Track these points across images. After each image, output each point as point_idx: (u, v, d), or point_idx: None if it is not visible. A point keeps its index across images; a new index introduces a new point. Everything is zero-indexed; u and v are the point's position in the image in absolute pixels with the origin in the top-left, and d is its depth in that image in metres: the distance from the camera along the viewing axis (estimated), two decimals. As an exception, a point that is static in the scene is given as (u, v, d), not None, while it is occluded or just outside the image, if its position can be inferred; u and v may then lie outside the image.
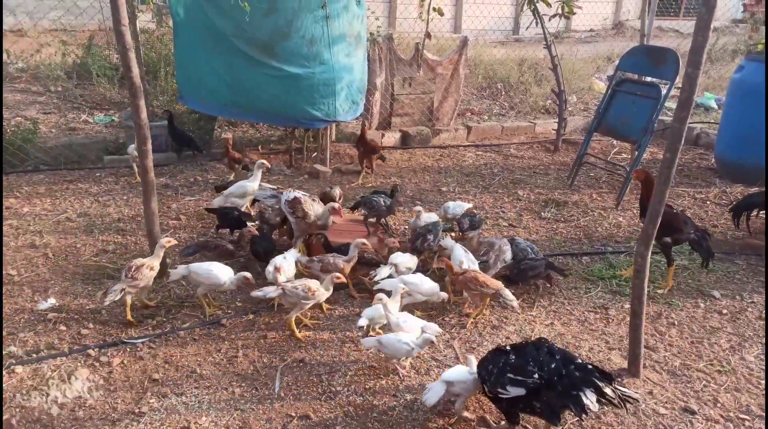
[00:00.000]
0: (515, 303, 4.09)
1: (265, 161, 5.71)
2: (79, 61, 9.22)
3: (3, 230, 5.15)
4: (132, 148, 5.97)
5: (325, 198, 5.24)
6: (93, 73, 8.81)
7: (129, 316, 3.93)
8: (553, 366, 2.82)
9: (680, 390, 3.52)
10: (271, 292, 3.86)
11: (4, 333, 3.79)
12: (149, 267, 3.96)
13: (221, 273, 4.03)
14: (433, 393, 3.07)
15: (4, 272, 4.48)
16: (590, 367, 2.84)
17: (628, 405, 2.90)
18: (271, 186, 5.75)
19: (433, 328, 3.60)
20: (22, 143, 6.61)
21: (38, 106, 8.31)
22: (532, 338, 3.18)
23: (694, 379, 3.63)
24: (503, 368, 2.89)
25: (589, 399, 2.74)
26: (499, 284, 4.10)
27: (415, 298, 4.09)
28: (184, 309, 4.16)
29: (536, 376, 2.80)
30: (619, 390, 2.82)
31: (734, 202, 5.95)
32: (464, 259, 4.35)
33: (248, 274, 4.04)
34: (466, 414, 3.19)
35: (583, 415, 2.78)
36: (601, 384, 2.76)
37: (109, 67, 8.98)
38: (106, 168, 6.82)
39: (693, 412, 3.33)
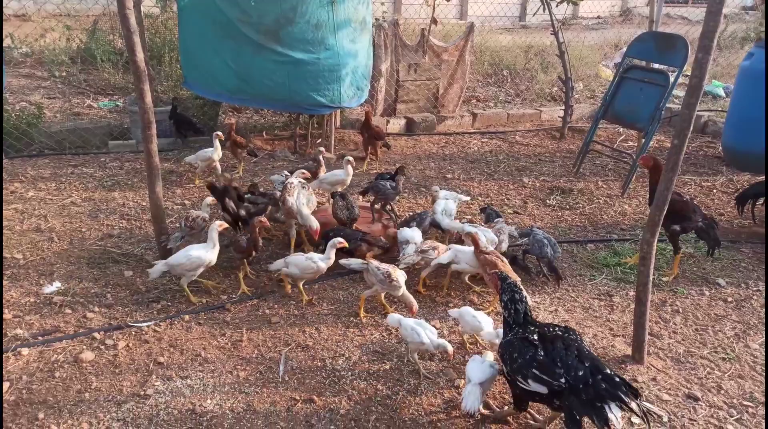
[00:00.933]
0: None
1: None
2: (83, 46, 9.20)
3: (8, 215, 5.17)
4: (192, 159, 6.05)
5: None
6: (97, 58, 8.79)
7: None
8: (581, 373, 2.71)
9: (684, 377, 3.52)
10: (354, 263, 4.03)
11: (10, 315, 3.81)
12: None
13: (200, 252, 4.03)
14: (474, 398, 2.98)
15: (9, 256, 4.50)
16: (618, 379, 2.73)
17: (651, 421, 2.81)
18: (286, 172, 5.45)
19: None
20: (26, 128, 6.61)
21: (42, 91, 8.31)
22: (560, 325, 3.06)
23: (698, 366, 3.63)
24: (530, 362, 2.80)
25: (614, 413, 2.62)
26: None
27: (463, 267, 4.22)
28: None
29: (563, 380, 2.71)
30: (645, 405, 2.71)
31: (740, 190, 5.91)
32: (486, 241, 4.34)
33: (223, 222, 4.21)
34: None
35: (605, 426, 2.63)
36: (627, 399, 2.65)
37: (113, 51, 8.96)
38: (111, 153, 6.82)
39: (696, 399, 3.33)
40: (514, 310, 3.06)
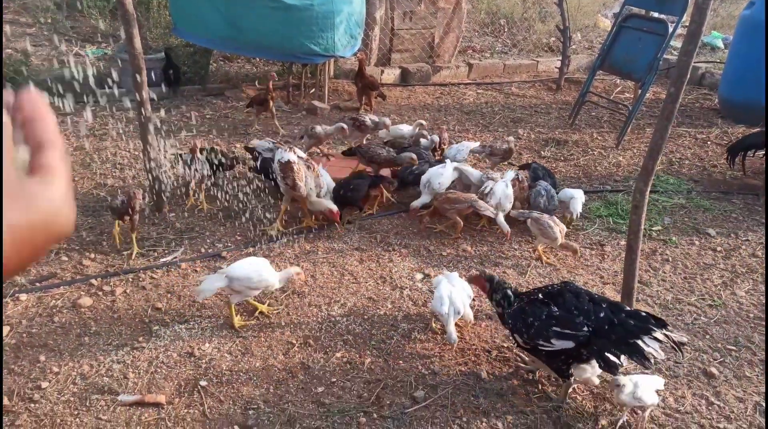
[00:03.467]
0: (489, 211, 4.29)
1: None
2: (68, -9, 8.91)
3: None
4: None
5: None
6: (84, 4, 8.53)
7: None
8: (602, 315, 2.69)
9: (671, 322, 3.61)
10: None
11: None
12: None
13: (267, 272, 3.34)
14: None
15: None
16: (644, 314, 2.73)
17: (681, 349, 2.81)
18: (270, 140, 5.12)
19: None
20: (14, 75, 6.47)
21: (28, 38, 8.08)
22: (553, 284, 3.10)
23: (685, 313, 3.72)
24: (547, 321, 2.75)
25: (652, 346, 2.61)
26: (472, 196, 4.29)
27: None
28: (185, 241, 4.20)
29: (585, 328, 2.68)
30: (670, 335, 2.72)
31: (732, 142, 5.92)
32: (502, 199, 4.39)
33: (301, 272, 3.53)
34: None
35: (647, 363, 2.65)
36: (657, 331, 2.65)
37: (99, -3, 8.68)
38: (99, 101, 6.71)
39: (683, 343, 3.42)
40: (507, 302, 3.03)
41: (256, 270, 3.26)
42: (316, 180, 4.34)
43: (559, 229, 4.05)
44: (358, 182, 4.56)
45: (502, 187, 4.40)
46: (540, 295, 2.92)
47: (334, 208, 4.29)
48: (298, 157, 4.27)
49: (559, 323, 2.75)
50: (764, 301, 3.84)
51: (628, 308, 2.80)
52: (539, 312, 2.82)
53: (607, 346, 2.70)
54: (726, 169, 5.90)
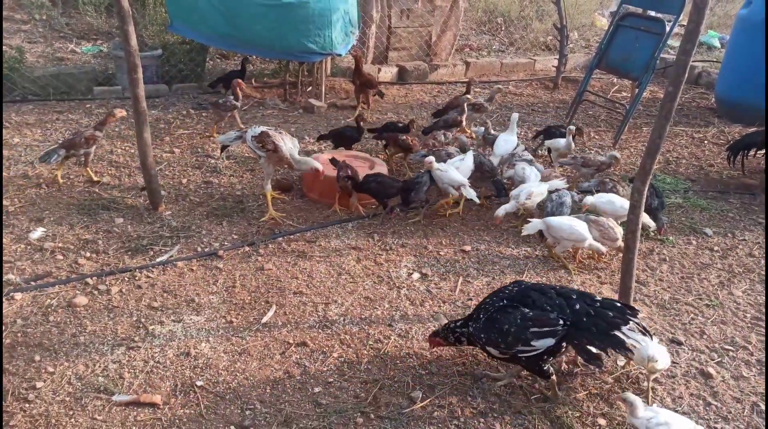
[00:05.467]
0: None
1: None
2: (63, -13, 8.84)
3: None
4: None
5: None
6: (79, 1, 8.47)
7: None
8: (577, 307, 2.69)
9: (668, 322, 3.61)
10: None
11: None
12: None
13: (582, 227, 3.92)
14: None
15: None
16: (618, 303, 2.75)
17: (650, 333, 2.86)
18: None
19: None
20: (8, 72, 6.42)
21: (23, 35, 8.03)
22: (505, 286, 3.03)
23: (682, 312, 3.72)
24: (523, 324, 2.71)
25: (633, 337, 2.64)
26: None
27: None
28: (181, 240, 4.17)
29: (562, 322, 2.67)
30: (640, 322, 2.78)
31: (732, 141, 5.92)
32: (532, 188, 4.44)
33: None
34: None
35: (629, 354, 2.71)
36: (634, 320, 2.70)
37: (95, -7, 8.62)
38: (96, 99, 6.67)
39: (680, 343, 3.43)
40: (460, 331, 2.96)
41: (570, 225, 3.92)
42: (292, 140, 4.47)
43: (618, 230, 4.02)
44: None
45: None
46: (504, 302, 2.83)
47: (320, 166, 4.38)
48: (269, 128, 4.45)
49: (535, 323, 2.70)
50: (761, 301, 3.85)
51: (598, 297, 2.80)
52: (512, 317, 2.75)
53: (589, 339, 2.70)
54: (723, 169, 5.91)
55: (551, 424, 2.82)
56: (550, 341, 2.70)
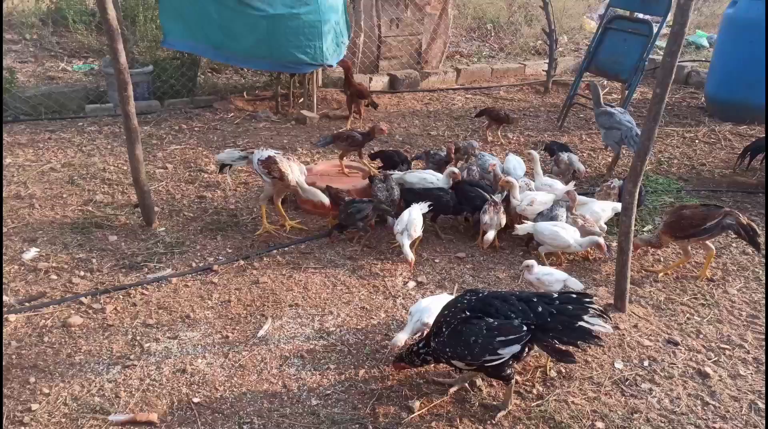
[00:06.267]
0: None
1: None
2: (53, 7, 8.87)
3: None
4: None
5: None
6: (69, 19, 8.49)
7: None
8: (539, 309, 2.71)
9: (664, 323, 3.62)
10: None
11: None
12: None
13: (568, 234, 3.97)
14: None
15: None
16: (573, 295, 2.84)
17: (608, 314, 2.92)
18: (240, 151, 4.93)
19: None
20: (-1, 93, 6.43)
21: (14, 55, 8.05)
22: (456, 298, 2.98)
23: (678, 313, 3.72)
24: (489, 334, 2.68)
25: (597, 324, 2.72)
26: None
27: None
28: (175, 256, 4.17)
29: (525, 328, 2.68)
30: (598, 306, 2.83)
31: (749, 144, 5.88)
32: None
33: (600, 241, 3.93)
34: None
35: (599, 342, 2.81)
36: (594, 307, 2.77)
37: (85, 12, 8.65)
38: (88, 117, 6.68)
39: (676, 343, 3.43)
40: (425, 351, 2.90)
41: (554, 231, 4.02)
42: (300, 167, 4.39)
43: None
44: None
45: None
46: (466, 314, 2.77)
47: (326, 200, 4.30)
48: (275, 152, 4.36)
49: (501, 332, 2.68)
50: (756, 299, 3.86)
51: (555, 294, 2.87)
52: (477, 328, 2.71)
53: (558, 337, 2.74)
54: (714, 168, 5.94)
55: (550, 429, 2.82)
56: (516, 348, 2.70)
